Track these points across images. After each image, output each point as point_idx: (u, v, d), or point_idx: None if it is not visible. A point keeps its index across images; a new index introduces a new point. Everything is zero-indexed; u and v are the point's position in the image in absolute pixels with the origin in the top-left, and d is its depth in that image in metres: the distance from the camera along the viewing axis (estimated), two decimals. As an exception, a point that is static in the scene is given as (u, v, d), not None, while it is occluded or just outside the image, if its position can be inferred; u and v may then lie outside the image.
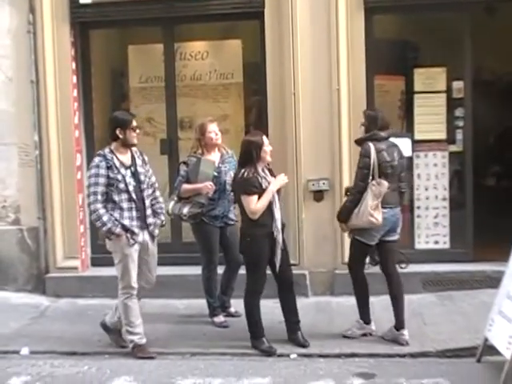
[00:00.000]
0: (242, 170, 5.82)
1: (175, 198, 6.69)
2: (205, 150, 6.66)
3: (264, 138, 5.97)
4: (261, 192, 5.80)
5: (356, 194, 6.02)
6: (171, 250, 7.80)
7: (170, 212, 6.67)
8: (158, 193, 6.22)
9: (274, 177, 5.96)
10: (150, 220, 6.05)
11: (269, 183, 5.85)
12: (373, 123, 6.09)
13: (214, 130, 6.62)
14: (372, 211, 5.92)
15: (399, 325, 6.10)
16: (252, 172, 5.79)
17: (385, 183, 5.97)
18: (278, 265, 5.91)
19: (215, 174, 6.57)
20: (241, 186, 5.84)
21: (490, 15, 8.07)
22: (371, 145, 5.98)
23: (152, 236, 6.09)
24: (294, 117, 7.43)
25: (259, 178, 5.84)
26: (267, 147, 5.91)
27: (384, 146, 6.05)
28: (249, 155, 5.85)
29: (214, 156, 6.70)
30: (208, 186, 6.49)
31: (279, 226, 5.89)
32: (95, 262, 8.06)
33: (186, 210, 6.58)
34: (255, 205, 5.77)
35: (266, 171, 5.97)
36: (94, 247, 8.10)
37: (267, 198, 5.81)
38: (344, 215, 6.08)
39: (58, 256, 7.95)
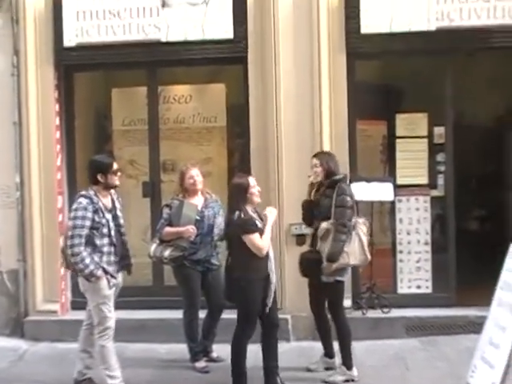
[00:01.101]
0: (237, 213, 5.80)
1: (157, 241, 6.71)
2: (186, 194, 6.71)
3: (251, 179, 6.01)
4: (259, 231, 5.80)
5: (348, 234, 6.10)
6: (152, 293, 7.79)
7: (151, 255, 6.69)
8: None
9: (261, 219, 5.97)
10: (127, 261, 6.08)
11: (261, 223, 5.85)
12: (333, 164, 6.30)
13: (193, 176, 6.67)
14: (366, 248, 6.09)
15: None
16: (246, 213, 5.81)
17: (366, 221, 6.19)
18: (269, 306, 5.87)
19: (198, 217, 6.60)
20: (240, 228, 5.77)
21: (470, 62, 8.19)
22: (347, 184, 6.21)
23: (129, 273, 6.16)
24: (277, 160, 7.51)
25: (254, 219, 5.86)
26: (255, 188, 5.95)
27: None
28: (237, 198, 5.86)
29: (198, 200, 6.75)
30: (190, 230, 6.52)
31: (273, 266, 5.91)
32: (75, 306, 7.99)
33: (167, 253, 6.59)
34: (260, 241, 5.75)
35: (255, 213, 5.99)
36: (75, 290, 8.01)
37: (269, 233, 5.83)
38: (338, 256, 6.09)
39: (37, 299, 7.91)
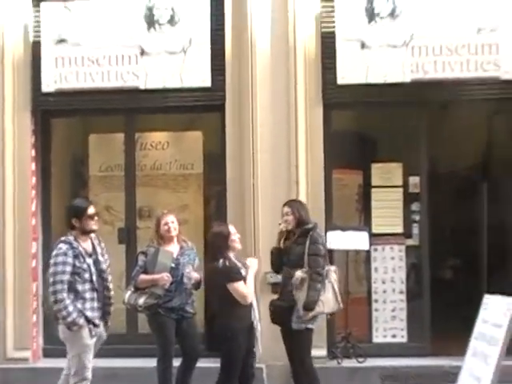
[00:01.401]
0: (221, 261, 5.80)
1: (132, 289, 6.67)
2: (162, 241, 6.71)
3: (230, 227, 6.05)
4: (244, 279, 5.81)
5: (322, 282, 6.14)
6: (126, 341, 7.72)
7: (125, 302, 6.64)
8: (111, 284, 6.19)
9: (244, 266, 5.98)
10: (108, 309, 6.04)
11: (245, 271, 5.87)
12: (304, 212, 6.37)
13: (169, 222, 6.68)
14: (339, 296, 6.19)
15: None
16: (229, 260, 5.82)
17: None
18: (258, 355, 5.88)
19: (173, 265, 6.58)
20: (225, 276, 5.77)
21: (444, 113, 8.43)
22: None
23: (106, 324, 6.05)
24: (253, 208, 7.55)
25: (238, 267, 5.89)
26: (235, 236, 5.98)
27: None
28: (218, 247, 5.88)
29: (173, 247, 6.74)
30: (165, 278, 6.49)
31: (257, 315, 5.93)
32: (47, 353, 7.90)
33: (141, 301, 6.56)
34: (245, 288, 5.76)
35: (238, 261, 6.01)
36: (47, 337, 7.94)
37: (252, 280, 5.86)
38: (314, 304, 6.08)
39: (8, 346, 7.79)
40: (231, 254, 5.91)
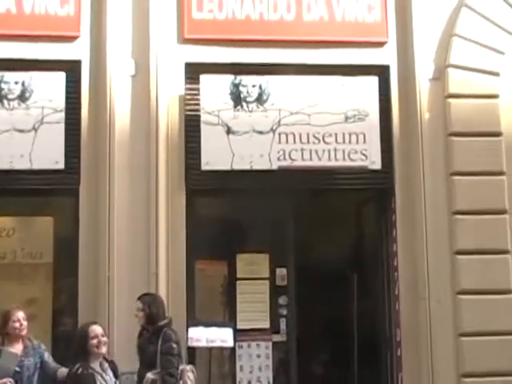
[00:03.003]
0: (77, 365, 5.73)
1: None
2: (7, 340, 6.53)
3: (94, 327, 6.01)
4: None
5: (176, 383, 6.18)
6: None
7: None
8: None
9: (116, 370, 5.92)
10: None
11: (106, 381, 5.77)
12: (157, 308, 6.49)
13: (21, 319, 6.54)
14: None
15: None
16: (86, 368, 5.73)
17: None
18: None
19: (17, 368, 6.39)
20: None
21: (313, 202, 8.62)
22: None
23: None
24: (108, 302, 7.44)
25: (95, 375, 5.77)
26: (94, 340, 5.90)
27: None
28: (77, 349, 5.82)
29: (18, 347, 6.56)
30: (7, 383, 6.30)
31: None
32: None
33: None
34: None
35: (106, 365, 5.92)
36: None
37: None
38: None
39: None
40: (93, 360, 5.82)
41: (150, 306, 6.49)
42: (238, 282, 8.10)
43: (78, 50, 7.86)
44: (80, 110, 7.76)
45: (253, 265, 8.12)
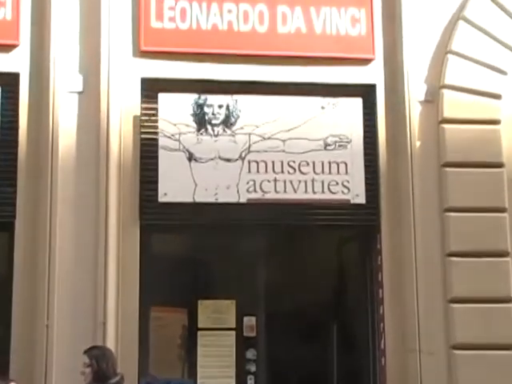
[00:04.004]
0: None
1: None
2: None
3: None
4: None
5: None
6: None
7: None
8: None
9: None
10: None
11: None
12: (106, 363, 6.22)
13: None
14: None
15: None
16: None
17: None
18: None
19: None
20: None
21: (287, 239, 8.40)
22: None
23: None
24: (46, 356, 7.13)
25: None
26: None
27: None
28: None
29: None
30: None
31: None
32: None
33: None
34: None
35: None
36: None
37: None
38: None
39: None
40: None
41: (99, 360, 6.25)
42: (199, 332, 7.84)
43: (16, 61, 7.66)
44: (17, 130, 7.55)
45: (217, 313, 7.87)
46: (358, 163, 7.93)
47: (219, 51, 7.83)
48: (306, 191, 7.78)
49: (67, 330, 7.20)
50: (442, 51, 8.06)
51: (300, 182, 7.78)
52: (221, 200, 7.64)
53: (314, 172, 7.80)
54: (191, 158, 7.69)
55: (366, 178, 7.96)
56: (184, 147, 7.70)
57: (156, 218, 7.61)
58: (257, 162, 7.75)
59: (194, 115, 7.77)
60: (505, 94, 8.07)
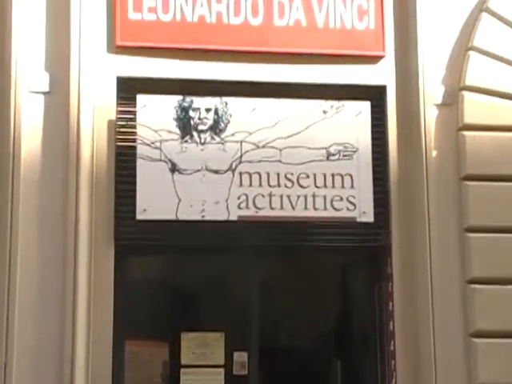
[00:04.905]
0: None
1: None
2: None
3: None
4: None
5: None
6: None
7: None
8: None
9: None
10: None
11: None
12: None
13: None
14: None
15: None
16: None
17: None
18: None
19: None
20: None
21: (284, 261, 8.17)
22: None
23: None
24: None
25: None
26: None
27: None
28: None
29: None
30: None
31: None
32: None
33: None
34: None
35: None
36: None
37: None
38: None
39: None
40: None
41: None
42: (182, 370, 7.59)
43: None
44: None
45: (203, 347, 7.64)
46: (366, 176, 7.73)
47: (207, 47, 7.64)
48: (305, 207, 7.60)
49: (29, 369, 6.99)
50: (463, 48, 7.88)
51: (299, 197, 7.59)
52: (208, 217, 7.46)
53: (315, 186, 7.63)
54: (174, 169, 7.51)
55: (375, 193, 7.77)
56: (166, 157, 7.51)
57: (133, 237, 7.41)
58: (249, 174, 7.57)
59: (178, 120, 7.57)
60: (534, 96, 7.97)
